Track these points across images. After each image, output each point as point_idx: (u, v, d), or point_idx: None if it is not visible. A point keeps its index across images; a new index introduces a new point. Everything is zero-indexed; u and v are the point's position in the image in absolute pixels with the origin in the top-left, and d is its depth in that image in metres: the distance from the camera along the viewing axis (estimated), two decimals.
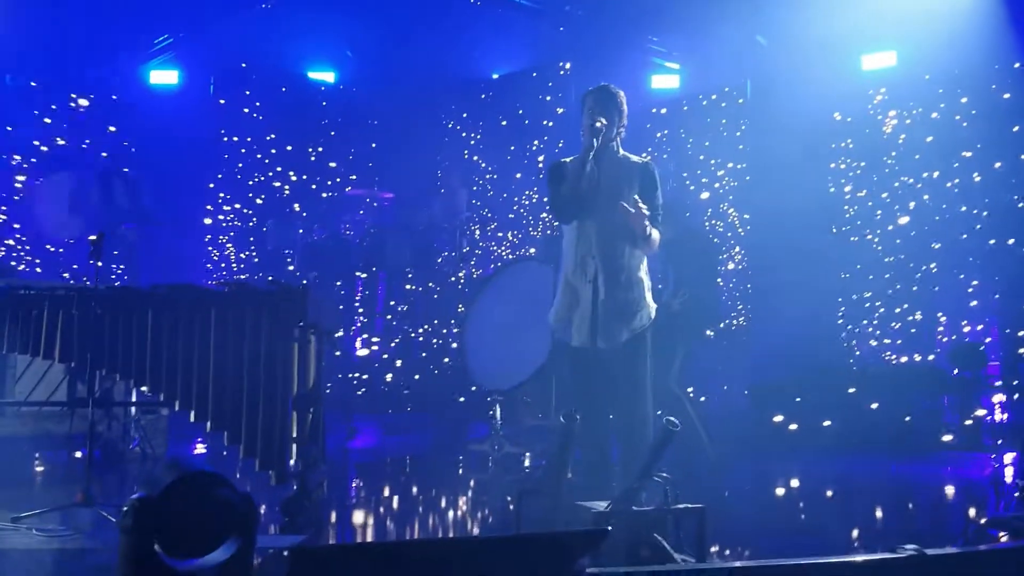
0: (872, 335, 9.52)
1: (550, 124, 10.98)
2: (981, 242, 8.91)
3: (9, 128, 10.25)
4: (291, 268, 10.33)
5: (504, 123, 11.31)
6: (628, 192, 4.57)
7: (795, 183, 9.14)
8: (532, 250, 10.54)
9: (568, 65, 10.97)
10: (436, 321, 10.24)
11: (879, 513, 5.74)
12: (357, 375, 9.94)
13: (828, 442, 7.96)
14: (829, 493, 6.38)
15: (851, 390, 8.35)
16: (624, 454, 4.63)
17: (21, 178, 10.23)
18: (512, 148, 11.16)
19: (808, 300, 9.10)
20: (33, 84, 10.41)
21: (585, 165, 4.50)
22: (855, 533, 5.12)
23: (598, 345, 4.49)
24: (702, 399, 7.18)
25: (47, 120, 10.45)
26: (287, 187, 11.26)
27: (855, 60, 9.65)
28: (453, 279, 10.16)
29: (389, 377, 10.01)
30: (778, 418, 8.22)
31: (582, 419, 4.46)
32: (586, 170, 4.50)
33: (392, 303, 10.45)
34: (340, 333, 9.53)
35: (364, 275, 10.36)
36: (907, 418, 8.09)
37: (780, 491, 6.44)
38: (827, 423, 8.16)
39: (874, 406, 8.24)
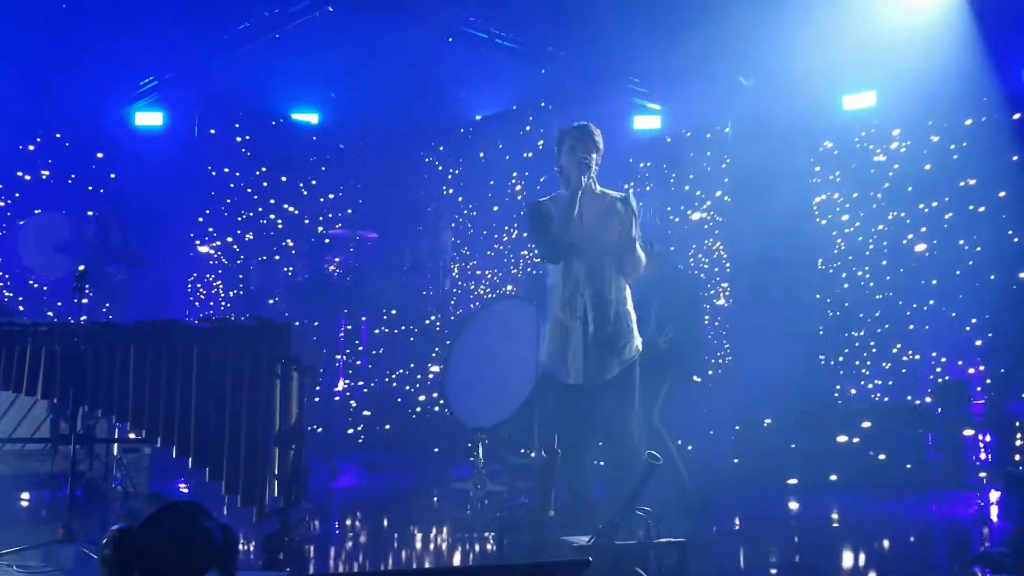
0: (861, 374, 9.55)
1: (532, 163, 11.07)
2: (974, 278, 8.93)
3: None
4: (279, 307, 10.34)
5: (487, 163, 11.39)
6: (611, 226, 4.64)
7: (780, 220, 9.23)
8: (510, 287, 10.61)
9: (550, 106, 11.09)
10: (412, 364, 10.27)
11: (867, 549, 5.73)
12: (338, 414, 9.90)
13: (815, 480, 7.95)
14: (835, 521, 6.37)
15: (854, 439, 8.31)
16: (612, 485, 4.63)
17: (6, 211, 10.27)
18: (494, 186, 11.25)
19: (795, 337, 9.14)
20: (14, 127, 10.48)
21: (575, 204, 4.57)
22: (842, 570, 5.11)
23: (591, 380, 4.52)
24: (689, 447, 7.11)
25: (31, 159, 10.51)
26: (271, 228, 11.29)
27: (836, 100, 9.80)
28: (432, 320, 10.21)
29: (367, 415, 9.99)
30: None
31: (570, 456, 4.47)
32: (575, 210, 4.56)
33: (373, 343, 10.48)
34: (322, 371, 9.55)
35: (349, 315, 10.38)
36: (908, 465, 8.05)
37: (765, 528, 6.41)
38: (798, 449, 8.16)
39: (881, 457, 8.17)
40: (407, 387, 10.34)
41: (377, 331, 10.51)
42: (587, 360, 4.51)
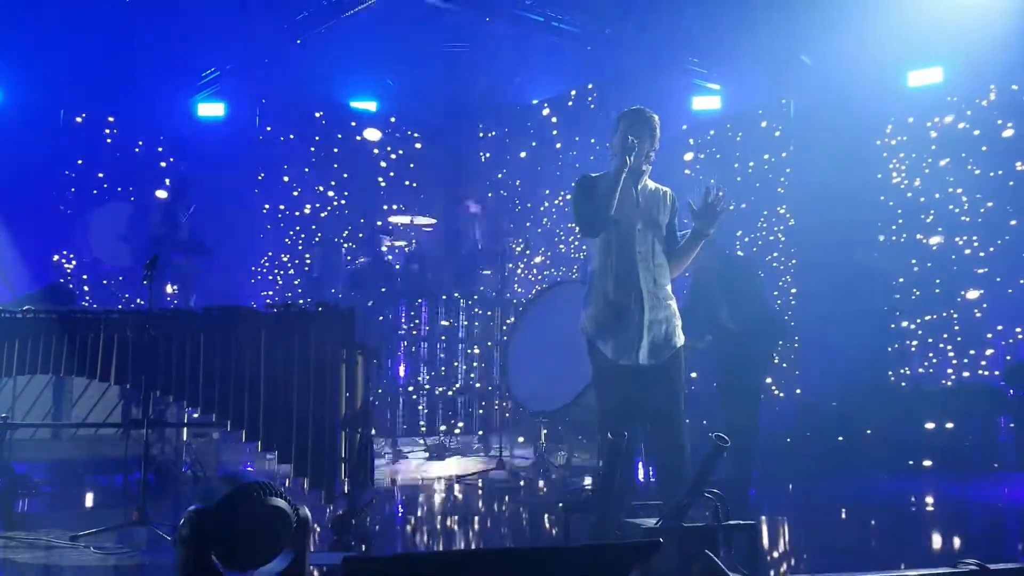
0: (926, 355, 9.37)
1: (589, 147, 11.00)
2: None
3: (70, 174, 10.58)
4: (336, 295, 10.46)
5: (545, 147, 11.36)
6: (662, 216, 4.67)
7: (842, 199, 9.08)
8: (574, 270, 10.57)
9: (608, 89, 11.00)
10: (480, 349, 10.33)
11: (935, 531, 5.64)
12: (401, 399, 10.00)
13: (881, 460, 7.85)
14: (909, 503, 6.27)
15: (925, 421, 8.22)
16: (663, 470, 4.59)
17: (73, 201, 10.55)
18: (551, 170, 11.22)
19: (859, 320, 8.99)
20: (81, 118, 10.76)
21: (618, 181, 4.53)
22: (912, 550, 5.02)
23: (645, 363, 4.50)
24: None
25: (97, 152, 10.78)
26: (332, 216, 11.41)
27: (901, 77, 9.59)
28: (492, 304, 10.25)
29: (436, 399, 10.09)
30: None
31: (619, 437, 4.44)
32: (618, 186, 4.52)
33: (435, 328, 10.54)
34: (388, 360, 9.63)
35: (408, 301, 10.44)
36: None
37: (833, 509, 6.34)
38: (869, 432, 8.07)
39: (929, 426, 8.10)
40: (468, 372, 10.40)
41: (437, 318, 10.57)
42: (642, 342, 4.49)
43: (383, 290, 9.89)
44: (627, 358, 4.52)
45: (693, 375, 8.42)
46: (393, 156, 11.63)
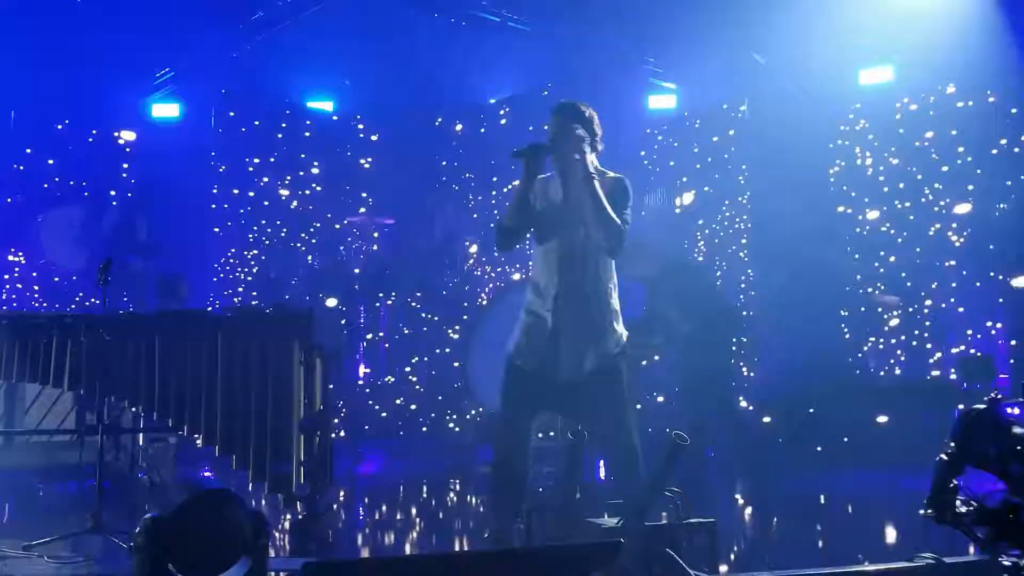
0: (882, 349, 9.47)
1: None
2: (1000, 251, 8.79)
3: (19, 167, 10.38)
4: (299, 294, 10.38)
5: (500, 145, 11.33)
6: (590, 206, 4.11)
7: (797, 198, 9.17)
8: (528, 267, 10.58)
9: (564, 88, 10.99)
10: (440, 349, 10.30)
11: (892, 525, 5.71)
12: (361, 400, 9.95)
13: (839, 456, 7.94)
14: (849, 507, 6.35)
15: (879, 416, 8.32)
16: (616, 473, 4.37)
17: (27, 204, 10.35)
18: (507, 168, 11.20)
19: (816, 316, 9.08)
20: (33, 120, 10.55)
21: (517, 194, 4.23)
22: (869, 544, 5.08)
23: (561, 375, 4.10)
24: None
25: (49, 153, 10.59)
26: (290, 215, 11.29)
27: (853, 76, 9.71)
28: (450, 304, 10.24)
29: (397, 401, 10.06)
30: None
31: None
32: (516, 199, 4.21)
33: (395, 328, 10.50)
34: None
35: (368, 301, 10.40)
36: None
37: (792, 505, 6.40)
38: (845, 439, 8.16)
39: (882, 419, 8.21)
40: (429, 372, 10.37)
41: (397, 317, 10.53)
42: (558, 352, 4.09)
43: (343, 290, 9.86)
44: (533, 366, 4.14)
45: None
46: (350, 155, 11.53)
